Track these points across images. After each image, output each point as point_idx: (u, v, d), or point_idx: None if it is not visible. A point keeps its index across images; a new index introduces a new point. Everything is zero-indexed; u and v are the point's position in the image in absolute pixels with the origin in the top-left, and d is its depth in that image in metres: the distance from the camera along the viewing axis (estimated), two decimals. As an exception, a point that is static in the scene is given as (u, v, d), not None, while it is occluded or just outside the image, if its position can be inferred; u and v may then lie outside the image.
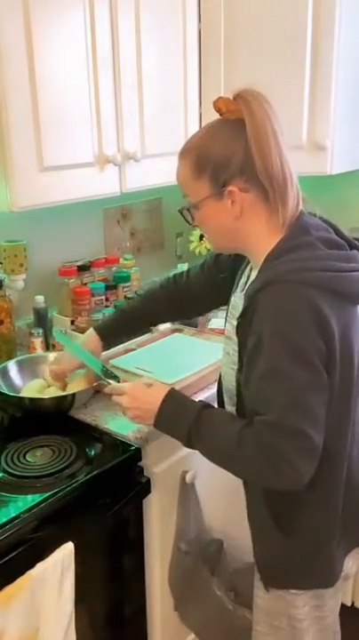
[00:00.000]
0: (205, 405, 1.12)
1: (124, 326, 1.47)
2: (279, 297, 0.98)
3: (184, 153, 1.09)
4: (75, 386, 1.45)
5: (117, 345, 1.53)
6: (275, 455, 0.98)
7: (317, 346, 0.97)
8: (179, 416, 1.12)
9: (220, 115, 1.05)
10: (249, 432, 1.01)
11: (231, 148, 1.02)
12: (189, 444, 1.11)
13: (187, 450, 1.52)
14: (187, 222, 1.14)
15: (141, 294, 1.49)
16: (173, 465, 1.47)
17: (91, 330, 1.45)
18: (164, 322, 1.76)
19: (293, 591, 1.15)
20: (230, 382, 1.17)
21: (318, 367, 0.97)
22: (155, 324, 1.30)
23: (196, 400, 1.16)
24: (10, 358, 1.61)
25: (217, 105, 1.05)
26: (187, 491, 1.51)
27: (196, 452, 1.57)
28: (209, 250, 2.18)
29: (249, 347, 1.02)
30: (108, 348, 1.51)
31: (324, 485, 1.07)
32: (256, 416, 1.01)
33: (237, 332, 1.08)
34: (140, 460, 1.35)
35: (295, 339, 0.96)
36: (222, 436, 1.07)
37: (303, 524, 1.11)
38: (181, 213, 1.14)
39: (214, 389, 1.55)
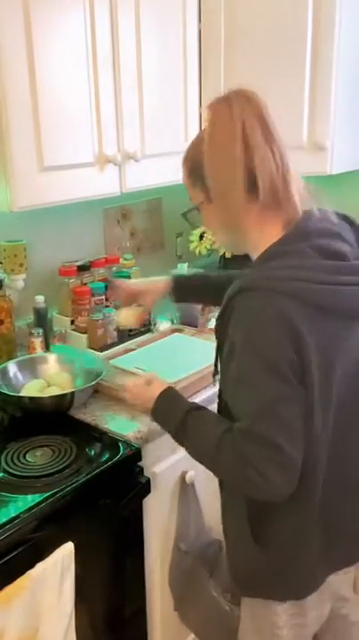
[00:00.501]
0: (197, 407, 1.13)
1: (200, 287, 1.46)
2: (252, 304, 0.97)
3: (183, 160, 1.11)
4: (124, 318, 1.51)
5: (183, 298, 1.50)
6: (245, 463, 0.97)
7: (288, 357, 0.94)
8: (170, 414, 1.14)
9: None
10: (228, 437, 1.01)
11: None
12: (178, 443, 1.12)
13: (187, 450, 1.52)
14: (193, 225, 1.18)
15: (222, 272, 1.47)
16: (173, 465, 1.47)
17: (168, 276, 1.48)
18: None
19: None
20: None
21: (289, 378, 0.95)
22: (218, 303, 1.30)
23: (190, 401, 1.16)
24: (10, 358, 1.61)
25: (204, 114, 1.07)
26: (187, 491, 1.51)
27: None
28: (209, 249, 2.18)
29: (225, 351, 1.02)
30: (176, 298, 1.49)
31: (296, 494, 1.03)
32: (235, 422, 1.01)
33: (216, 335, 1.08)
34: (140, 459, 1.35)
35: (264, 349, 0.95)
36: (205, 438, 1.07)
37: (276, 533, 1.09)
38: (185, 216, 1.17)
39: (215, 389, 1.55)
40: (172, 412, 1.13)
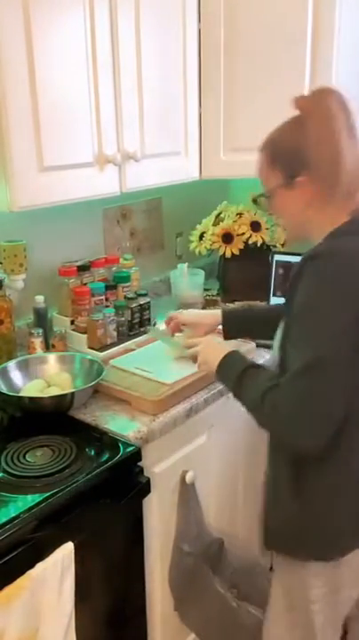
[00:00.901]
0: (257, 365, 1.24)
1: (247, 318, 1.56)
2: (320, 270, 1.05)
3: (263, 145, 1.19)
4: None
5: (234, 333, 1.58)
6: (278, 413, 1.08)
7: (347, 323, 1.02)
8: (232, 368, 1.23)
9: (300, 112, 1.14)
10: (272, 390, 1.10)
11: (303, 143, 1.11)
12: (234, 395, 1.22)
13: (187, 450, 1.53)
14: (264, 209, 1.27)
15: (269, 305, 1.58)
16: (173, 465, 1.48)
17: (219, 310, 1.57)
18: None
19: (308, 568, 1.19)
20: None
21: (343, 343, 1.02)
22: (268, 336, 1.42)
23: (253, 361, 1.27)
24: (10, 358, 1.61)
25: (297, 103, 1.14)
26: (187, 491, 1.51)
27: (196, 451, 1.58)
28: (208, 249, 2.18)
29: (290, 313, 1.11)
30: (226, 334, 1.56)
31: (337, 453, 1.11)
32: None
33: (288, 300, 1.16)
34: (140, 459, 1.35)
35: (324, 312, 1.03)
36: (254, 390, 1.15)
37: (312, 488, 1.16)
38: (256, 201, 1.26)
39: (215, 390, 1.56)
40: (235, 366, 1.23)
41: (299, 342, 1.08)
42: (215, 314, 1.56)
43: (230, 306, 1.59)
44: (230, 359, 1.27)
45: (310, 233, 1.17)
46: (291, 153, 1.13)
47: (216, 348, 1.33)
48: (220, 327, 1.55)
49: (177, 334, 1.64)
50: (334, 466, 1.13)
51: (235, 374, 1.21)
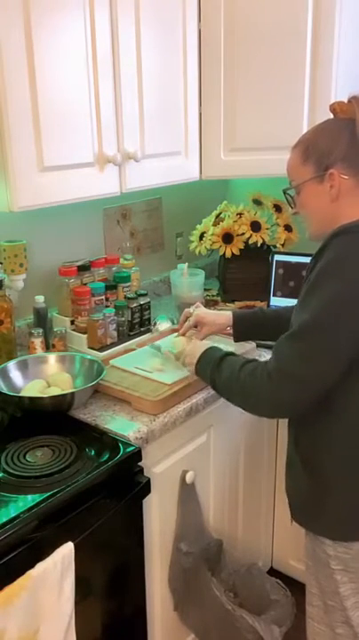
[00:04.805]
0: (233, 354, 1.32)
1: (258, 321, 1.58)
2: (343, 244, 1.08)
3: (296, 144, 1.24)
4: (177, 342, 1.60)
5: (244, 335, 1.61)
6: (253, 375, 1.16)
7: (356, 294, 1.05)
8: (211, 356, 1.32)
9: (334, 115, 1.21)
10: (252, 363, 1.19)
11: (336, 140, 1.17)
12: (210, 379, 1.31)
13: (187, 450, 1.52)
14: (290, 205, 1.31)
15: (280, 308, 1.62)
16: (173, 465, 1.48)
17: (230, 311, 1.59)
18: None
19: (327, 547, 1.23)
20: None
21: (346, 311, 1.06)
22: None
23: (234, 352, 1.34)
24: (10, 358, 1.61)
25: (332, 106, 1.20)
26: (187, 491, 1.51)
27: (196, 451, 1.57)
28: (208, 249, 2.18)
29: (304, 288, 1.14)
30: (237, 335, 1.59)
31: (343, 421, 1.15)
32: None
33: (307, 277, 1.18)
34: (140, 459, 1.35)
35: (338, 280, 1.07)
36: (232, 365, 1.24)
37: (322, 463, 1.20)
38: (284, 193, 1.30)
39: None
40: (216, 354, 1.32)
41: (302, 308, 1.11)
42: (227, 315, 1.58)
43: (240, 309, 1.59)
44: (214, 348, 1.35)
45: (335, 223, 1.18)
46: (325, 148, 1.18)
47: (203, 343, 1.43)
48: (230, 329, 1.57)
49: (177, 336, 1.64)
50: (343, 438, 1.16)
51: (214, 359, 1.29)
